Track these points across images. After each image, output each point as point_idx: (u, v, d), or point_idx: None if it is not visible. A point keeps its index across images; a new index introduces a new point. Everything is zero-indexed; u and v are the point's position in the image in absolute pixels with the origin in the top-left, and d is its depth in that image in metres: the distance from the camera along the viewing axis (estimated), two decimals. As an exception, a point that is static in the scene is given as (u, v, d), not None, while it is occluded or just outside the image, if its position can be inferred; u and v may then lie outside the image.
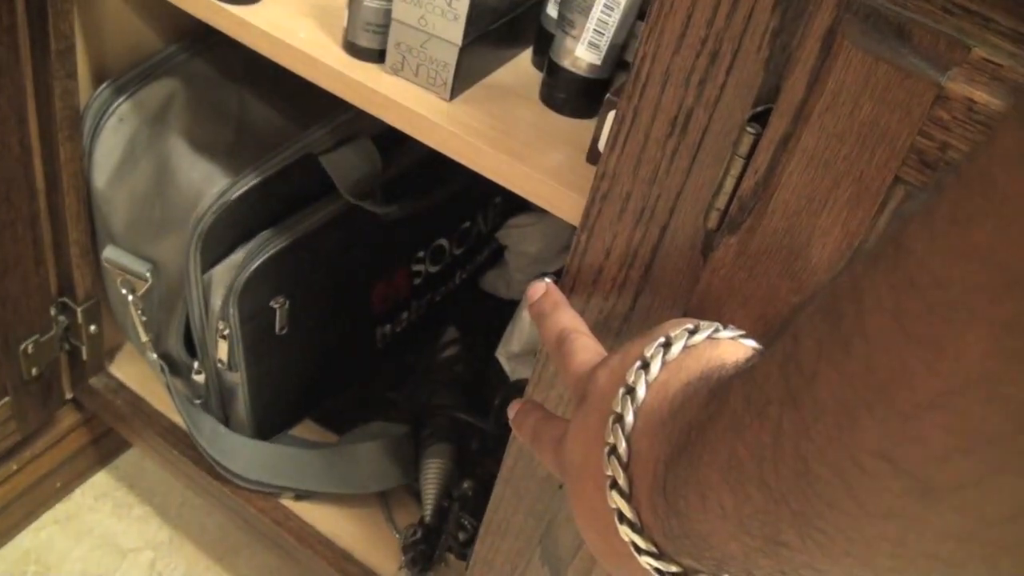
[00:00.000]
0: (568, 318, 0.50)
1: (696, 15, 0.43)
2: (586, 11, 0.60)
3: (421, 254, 1.02)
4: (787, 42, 0.41)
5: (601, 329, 0.55)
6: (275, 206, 0.84)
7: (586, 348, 0.47)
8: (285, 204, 0.85)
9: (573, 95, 0.64)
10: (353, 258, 0.92)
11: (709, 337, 0.39)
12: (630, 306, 0.53)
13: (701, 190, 0.47)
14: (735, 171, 0.44)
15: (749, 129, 0.43)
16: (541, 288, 0.53)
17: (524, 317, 0.97)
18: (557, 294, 0.53)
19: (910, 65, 0.37)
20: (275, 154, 0.82)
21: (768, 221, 0.44)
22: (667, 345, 0.39)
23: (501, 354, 1.02)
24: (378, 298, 0.99)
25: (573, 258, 0.55)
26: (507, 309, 1.04)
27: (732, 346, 0.39)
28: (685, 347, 0.39)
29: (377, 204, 0.87)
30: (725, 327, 0.40)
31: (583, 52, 0.61)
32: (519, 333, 1.00)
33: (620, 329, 0.55)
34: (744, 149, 0.44)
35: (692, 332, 0.39)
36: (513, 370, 1.01)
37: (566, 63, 0.62)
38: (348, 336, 1.00)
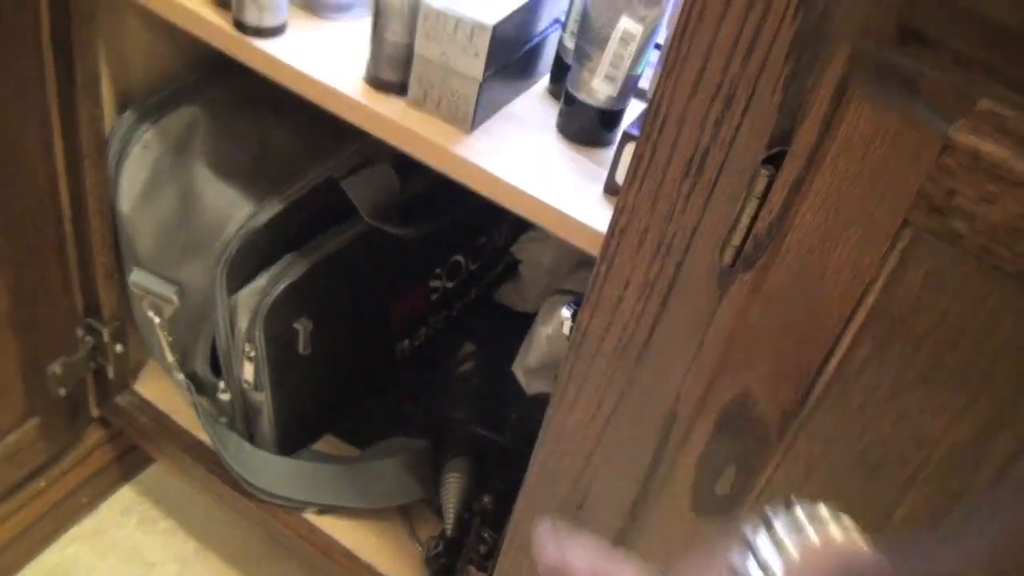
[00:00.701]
0: (592, 555, 0.41)
1: (712, 61, 0.45)
2: (602, 44, 0.62)
3: (438, 270, 1.04)
4: (800, 88, 0.43)
5: (620, 356, 0.57)
6: (297, 230, 0.86)
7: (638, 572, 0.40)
8: (307, 227, 0.87)
9: (589, 125, 0.65)
10: (372, 277, 0.94)
11: None
12: (648, 335, 0.55)
13: (716, 227, 0.49)
14: (750, 210, 0.46)
15: (763, 171, 0.45)
16: (542, 540, 0.42)
17: (540, 332, 0.99)
18: (560, 537, 0.42)
19: (919, 116, 0.39)
20: (297, 180, 0.84)
21: (782, 260, 0.45)
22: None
23: (517, 368, 1.04)
24: (397, 314, 1.01)
25: (593, 286, 0.57)
26: (522, 322, 1.06)
27: None
28: None
29: (395, 225, 0.89)
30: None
31: (599, 84, 0.63)
32: (535, 348, 1.02)
33: (640, 355, 0.56)
34: (759, 189, 0.45)
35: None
36: (529, 384, 1.03)
37: (582, 94, 0.64)
38: (368, 352, 1.02)
